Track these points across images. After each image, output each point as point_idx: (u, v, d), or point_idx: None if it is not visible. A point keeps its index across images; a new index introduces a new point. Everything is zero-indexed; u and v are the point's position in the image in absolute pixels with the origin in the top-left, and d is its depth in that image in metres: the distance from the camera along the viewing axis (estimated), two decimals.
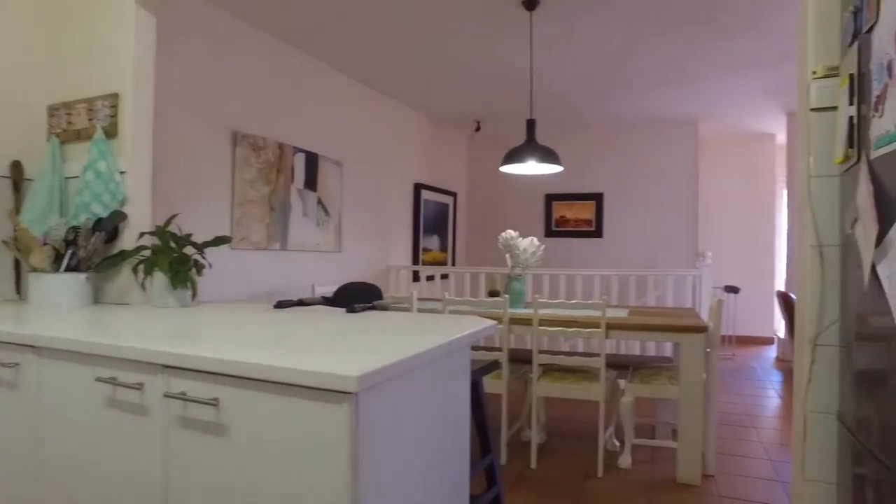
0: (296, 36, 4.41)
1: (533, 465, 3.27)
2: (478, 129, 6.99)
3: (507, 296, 3.62)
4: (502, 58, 4.88)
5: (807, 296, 1.79)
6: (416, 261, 6.74)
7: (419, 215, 6.74)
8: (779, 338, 6.83)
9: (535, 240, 3.75)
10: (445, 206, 7.47)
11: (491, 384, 3.27)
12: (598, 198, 7.42)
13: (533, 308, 3.19)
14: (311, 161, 4.91)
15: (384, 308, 2.11)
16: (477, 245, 8.00)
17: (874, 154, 1.32)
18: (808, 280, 1.79)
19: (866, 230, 1.36)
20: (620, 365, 3.60)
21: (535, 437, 3.29)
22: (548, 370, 3.34)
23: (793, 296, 5.80)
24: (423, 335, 1.45)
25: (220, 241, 2.21)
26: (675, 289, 5.29)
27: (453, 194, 7.65)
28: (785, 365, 6.36)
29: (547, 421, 3.94)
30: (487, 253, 7.79)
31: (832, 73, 1.76)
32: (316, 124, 4.98)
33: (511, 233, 3.74)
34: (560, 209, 7.62)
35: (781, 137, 7.43)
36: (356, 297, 2.08)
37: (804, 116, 1.87)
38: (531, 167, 3.95)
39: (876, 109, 1.32)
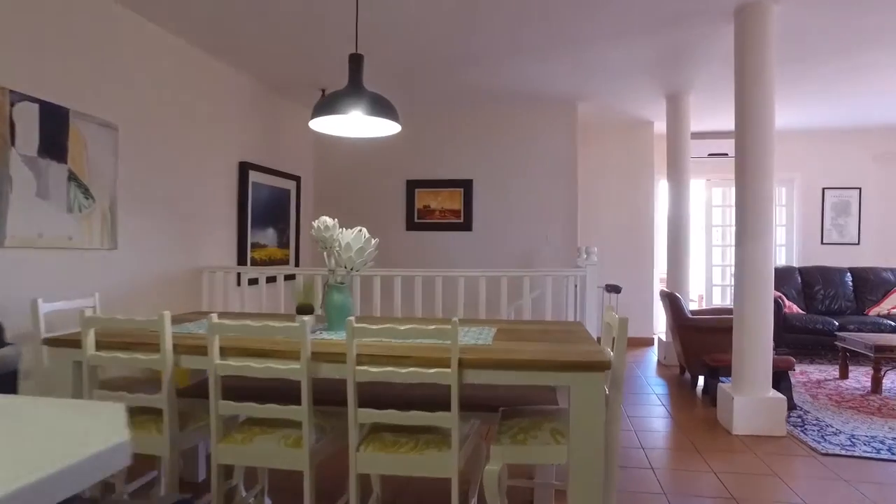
0: None
1: None
2: (323, 96, 5.70)
3: (320, 312, 2.44)
4: (338, 11, 3.68)
5: None
6: (242, 259, 5.32)
7: (246, 202, 5.32)
8: (660, 340, 6.24)
9: (365, 231, 2.57)
10: (285, 192, 6.10)
11: (290, 456, 2.06)
12: (466, 185, 6.43)
13: (348, 335, 2.00)
14: (54, 118, 3.37)
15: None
16: None
17: None
18: None
19: None
20: (483, 405, 2.52)
21: None
22: (375, 431, 2.17)
23: (678, 295, 5.13)
24: None
25: None
26: (555, 290, 4.39)
27: (296, 178, 6.30)
28: (668, 371, 5.74)
29: (384, 494, 2.79)
30: None
31: None
32: (70, 65, 3.44)
33: (326, 220, 2.52)
34: (424, 198, 6.54)
35: (660, 126, 6.87)
36: None
37: None
38: (355, 123, 2.76)
39: None
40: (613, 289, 5.89)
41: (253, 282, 4.85)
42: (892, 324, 6.33)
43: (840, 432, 3.86)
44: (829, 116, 7.12)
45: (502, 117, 6.37)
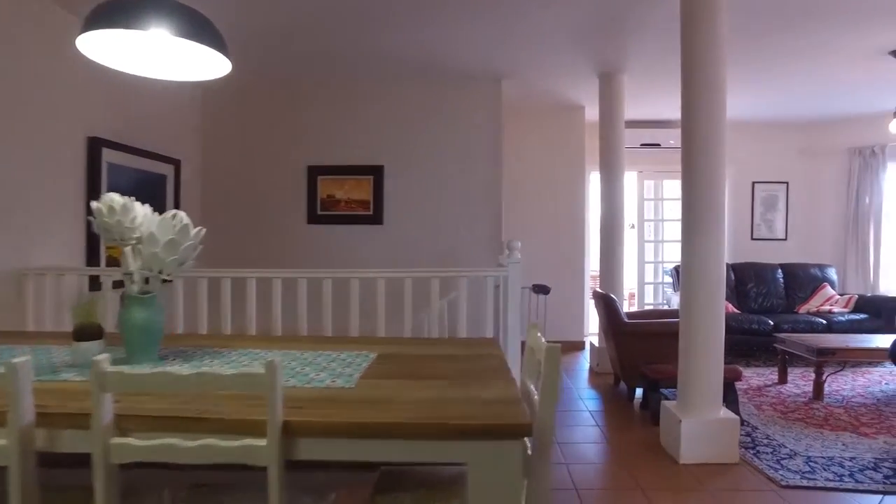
0: None
1: None
2: None
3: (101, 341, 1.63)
4: None
5: None
6: (93, 260, 4.29)
7: (98, 188, 4.29)
8: (592, 345, 5.67)
9: (182, 217, 1.74)
10: (160, 178, 5.07)
11: None
12: (376, 172, 5.62)
13: (94, 386, 1.17)
14: None
15: None
16: (218, 237, 5.71)
17: None
18: None
19: None
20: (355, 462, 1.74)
21: None
22: None
23: (613, 296, 4.55)
24: None
25: None
26: (473, 293, 3.67)
27: (174, 162, 5.28)
28: (601, 380, 5.17)
29: None
30: (235, 248, 5.59)
31: None
32: None
33: (114, 198, 1.67)
34: (328, 186, 5.67)
35: (592, 113, 6.28)
36: None
37: None
38: (156, 51, 1.90)
39: None
40: (541, 289, 5.27)
41: (117, 285, 3.85)
42: (824, 322, 6.05)
43: (795, 454, 3.36)
44: (757, 109, 6.81)
45: (417, 94, 5.61)
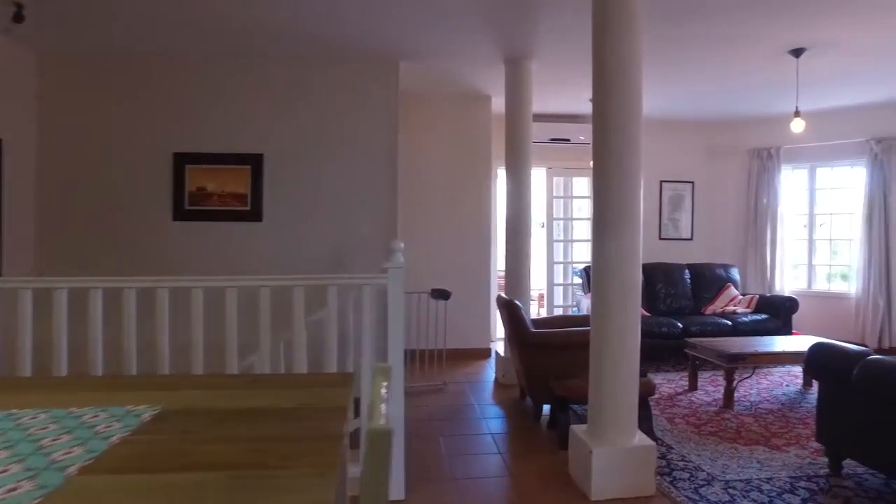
0: None
1: None
2: (18, 17, 3.80)
3: None
4: None
5: None
6: None
7: None
8: (498, 354, 5.22)
9: None
10: None
11: None
12: (255, 162, 4.89)
13: None
14: None
15: None
16: (58, 237, 4.76)
17: None
18: None
19: None
20: None
21: None
22: None
23: (518, 303, 4.09)
24: None
25: None
26: (349, 306, 3.07)
27: None
28: (507, 394, 4.72)
29: None
30: (79, 251, 4.67)
31: None
32: None
33: None
34: (198, 177, 4.87)
35: (500, 103, 5.83)
36: None
37: None
38: None
39: None
40: (441, 294, 4.76)
41: None
42: (729, 323, 5.96)
43: (712, 479, 3.02)
44: (665, 107, 6.67)
45: (302, 74, 4.93)
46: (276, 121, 4.91)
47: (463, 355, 5.99)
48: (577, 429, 3.00)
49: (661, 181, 7.36)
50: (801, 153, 6.95)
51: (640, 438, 2.86)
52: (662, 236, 7.37)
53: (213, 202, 4.87)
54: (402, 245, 2.59)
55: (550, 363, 3.64)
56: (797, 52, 4.73)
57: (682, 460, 3.26)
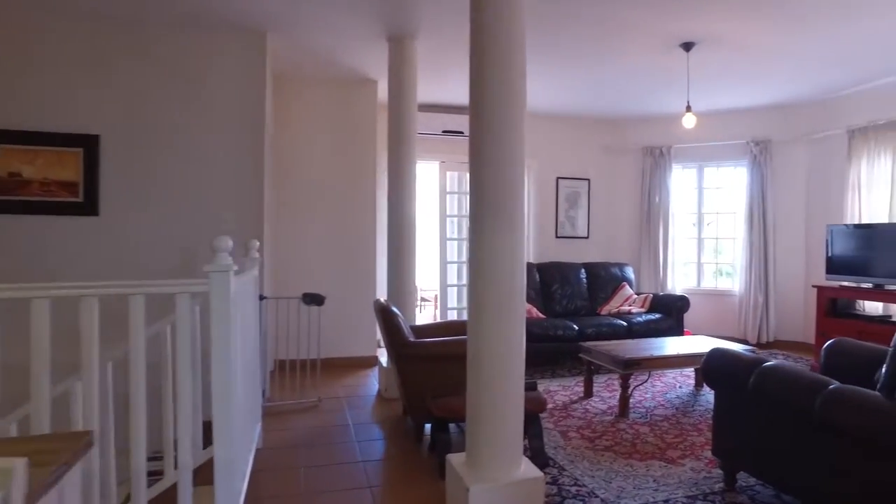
0: None
1: None
2: None
3: None
4: None
5: None
6: None
7: None
8: (382, 365, 4.71)
9: None
10: None
11: None
12: (89, 144, 4.08)
13: None
14: None
15: None
16: None
17: None
18: None
19: None
20: None
21: None
22: None
23: (395, 309, 3.61)
24: None
25: None
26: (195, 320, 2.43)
27: None
28: (389, 410, 4.22)
29: None
30: None
31: None
32: None
33: None
34: (10, 159, 3.99)
35: (386, 88, 5.32)
36: None
37: None
38: None
39: None
40: (313, 299, 4.18)
41: None
42: (624, 324, 5.82)
43: None
44: (561, 102, 6.47)
45: (149, 40, 4.18)
46: (117, 96, 4.12)
47: (346, 365, 5.43)
48: (454, 459, 2.55)
49: (558, 178, 7.16)
50: (691, 152, 7.01)
51: (526, 469, 2.46)
52: (559, 234, 7.18)
53: (33, 191, 4.01)
54: (258, 243, 2.06)
55: (428, 377, 3.18)
56: (687, 46, 4.63)
57: (576, 485, 2.91)
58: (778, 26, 4.21)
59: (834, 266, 5.59)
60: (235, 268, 2.10)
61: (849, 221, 5.74)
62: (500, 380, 2.36)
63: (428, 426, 3.54)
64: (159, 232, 4.17)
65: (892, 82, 5.48)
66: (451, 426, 3.45)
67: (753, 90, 5.95)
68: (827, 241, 5.66)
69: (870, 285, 5.26)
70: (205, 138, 4.26)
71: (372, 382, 4.98)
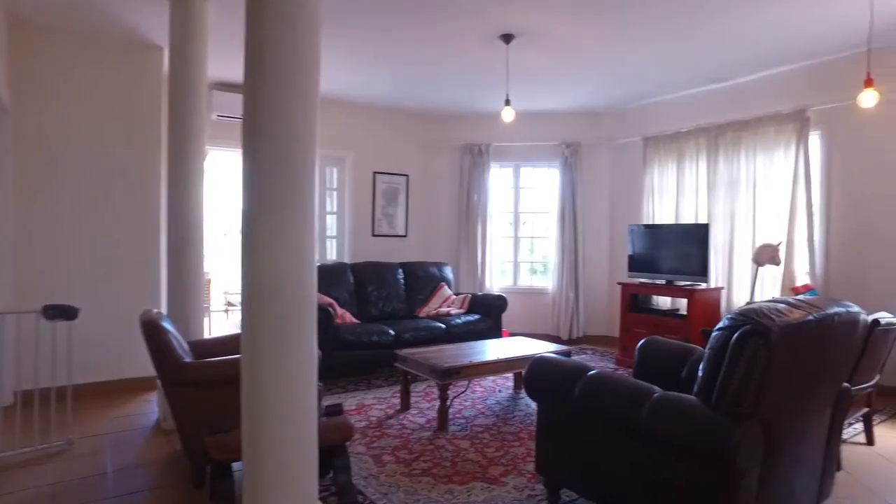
0: None
1: None
2: None
3: None
4: None
5: None
6: None
7: None
8: (161, 389, 3.85)
9: None
10: None
11: None
12: None
13: None
14: None
15: None
16: None
17: None
18: None
19: None
20: None
21: None
22: None
23: (165, 323, 2.87)
24: None
25: None
26: None
27: None
28: (165, 447, 3.41)
29: None
30: None
31: None
32: None
33: None
34: None
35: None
36: None
37: None
38: None
39: None
40: (61, 312, 3.24)
41: None
42: (443, 326, 5.58)
43: None
44: (376, 92, 6.09)
45: None
46: None
47: (118, 390, 4.44)
48: None
49: (375, 172, 6.76)
50: (508, 152, 7.05)
51: None
52: (376, 233, 6.78)
53: None
54: None
55: (202, 408, 2.53)
56: (507, 38, 4.49)
57: None
58: (603, 29, 4.24)
59: (634, 264, 5.92)
60: None
61: (645, 222, 6.13)
62: (286, 409, 1.83)
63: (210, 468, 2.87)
64: None
65: (680, 97, 5.97)
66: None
67: (567, 93, 6.09)
68: (630, 240, 5.98)
69: (662, 281, 5.63)
70: None
71: (150, 410, 4.09)
